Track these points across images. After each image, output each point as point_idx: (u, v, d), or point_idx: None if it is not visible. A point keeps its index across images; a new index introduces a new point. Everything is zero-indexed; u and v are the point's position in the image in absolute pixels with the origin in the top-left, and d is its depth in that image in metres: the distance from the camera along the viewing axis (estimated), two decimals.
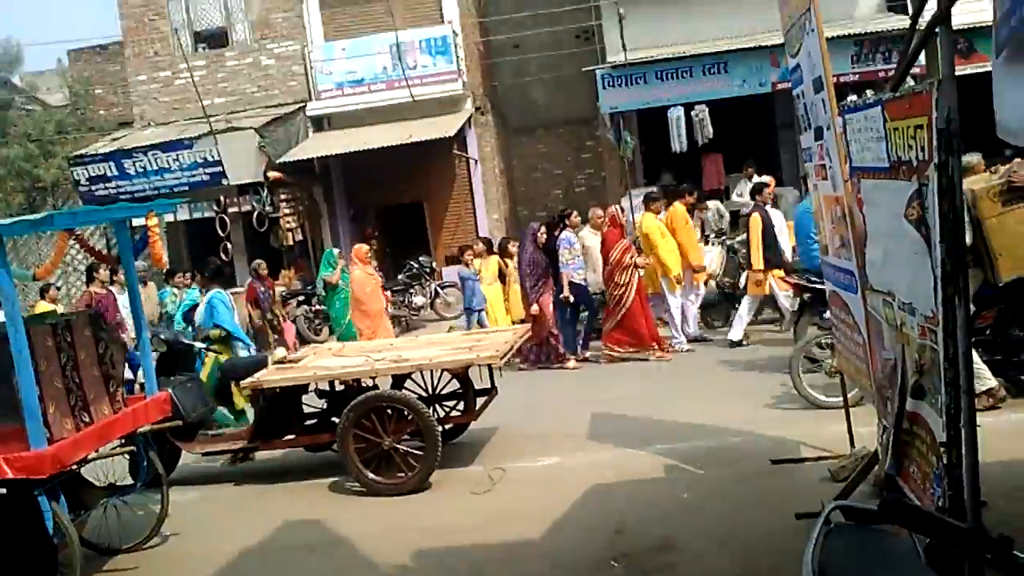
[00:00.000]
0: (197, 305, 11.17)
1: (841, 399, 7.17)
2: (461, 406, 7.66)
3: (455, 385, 7.70)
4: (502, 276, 11.68)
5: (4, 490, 5.35)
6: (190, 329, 11.05)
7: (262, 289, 12.46)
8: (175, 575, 5.67)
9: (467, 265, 11.67)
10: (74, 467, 5.70)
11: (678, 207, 11.10)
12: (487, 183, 17.09)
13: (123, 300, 11.15)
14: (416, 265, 15.65)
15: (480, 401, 7.57)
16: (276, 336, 12.14)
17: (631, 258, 10.43)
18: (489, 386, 7.79)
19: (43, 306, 11.04)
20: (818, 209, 5.81)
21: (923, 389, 3.72)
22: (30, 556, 1.57)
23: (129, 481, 6.49)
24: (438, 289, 15.32)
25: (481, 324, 11.13)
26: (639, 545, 5.18)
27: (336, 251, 12.24)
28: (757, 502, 5.59)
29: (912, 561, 2.33)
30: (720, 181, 15.88)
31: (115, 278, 11.24)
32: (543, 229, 10.92)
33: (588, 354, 10.99)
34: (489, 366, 7.44)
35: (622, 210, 11.17)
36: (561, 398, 9.17)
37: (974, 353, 4.67)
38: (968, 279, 3.38)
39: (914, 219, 3.53)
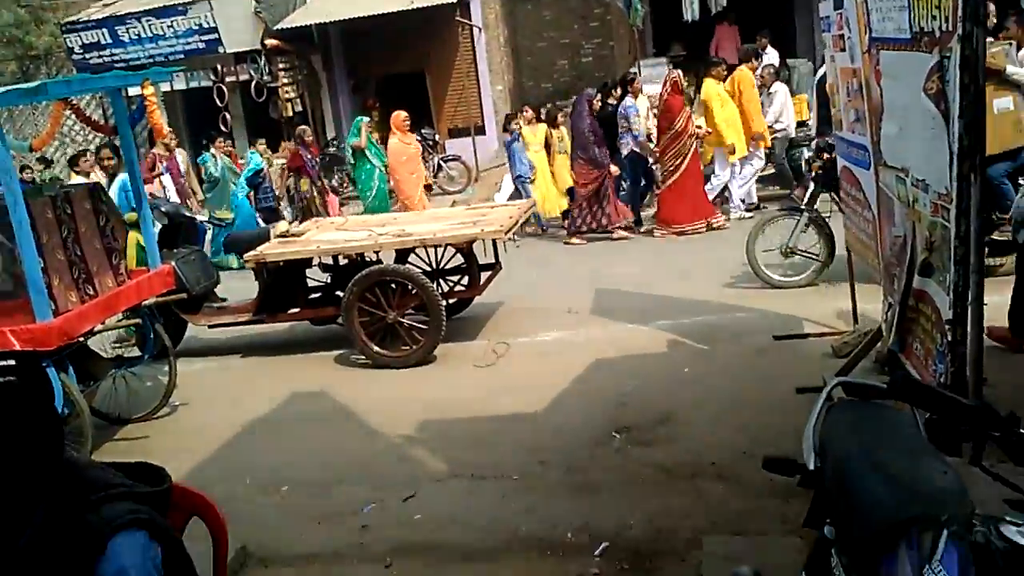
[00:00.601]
0: (261, 170, 11.14)
1: (795, 278, 7.56)
2: (465, 281, 7.67)
3: (459, 260, 7.69)
4: (547, 146, 11.42)
5: (12, 362, 5.43)
6: (253, 194, 11.32)
7: (308, 156, 12.07)
8: (184, 443, 5.78)
9: (510, 133, 11.43)
10: (81, 339, 5.76)
11: (745, 71, 10.78)
12: (491, 52, 16.61)
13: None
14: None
15: (484, 276, 7.57)
16: (322, 204, 12.01)
17: (694, 126, 10.25)
18: (493, 261, 7.77)
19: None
20: (834, 82, 5.65)
21: (931, 267, 3.69)
22: (35, 429, 1.58)
23: (136, 353, 6.57)
24: (441, 163, 15.11)
25: (526, 194, 10.93)
26: (640, 417, 5.27)
27: (365, 119, 11.93)
28: (759, 377, 5.65)
29: (913, 436, 2.35)
30: (733, 55, 15.37)
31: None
32: (598, 96, 10.70)
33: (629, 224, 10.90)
34: (493, 241, 7.41)
35: (683, 73, 10.90)
36: (565, 275, 9.18)
37: None
38: (985, 155, 3.30)
39: (933, 93, 3.42)
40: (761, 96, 11.90)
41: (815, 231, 7.40)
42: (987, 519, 1.74)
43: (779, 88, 11.22)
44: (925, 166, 3.65)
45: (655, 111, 10.90)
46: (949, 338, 3.38)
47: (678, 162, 10.14)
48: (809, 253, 7.48)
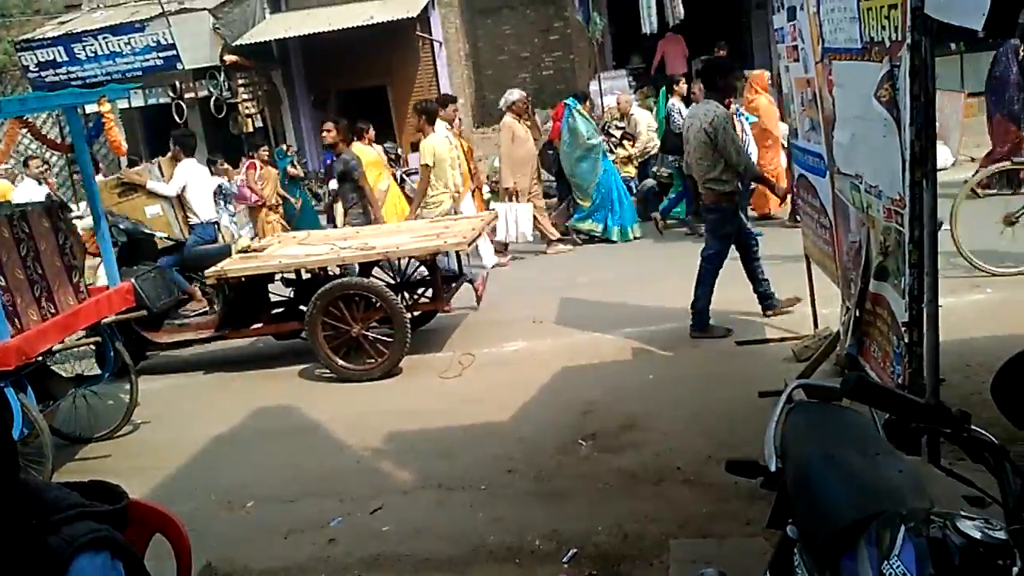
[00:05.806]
0: None
1: None
2: (430, 293, 7.66)
3: (424, 272, 7.68)
4: None
5: None
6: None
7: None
8: (147, 462, 5.70)
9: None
10: (40, 358, 5.67)
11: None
12: (452, 66, 16.67)
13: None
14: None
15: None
16: None
17: None
18: (458, 273, 7.77)
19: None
20: (789, 91, 5.75)
21: (886, 271, 3.77)
22: None
23: (97, 371, 6.48)
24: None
25: None
26: (606, 425, 5.29)
27: None
28: (722, 382, 5.71)
29: (871, 436, 2.39)
30: (683, 66, 15.52)
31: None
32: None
33: None
34: (457, 253, 7.41)
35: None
36: (531, 284, 9.19)
37: None
38: (936, 162, 3.38)
39: (885, 100, 3.50)
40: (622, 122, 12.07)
41: None
42: (944, 514, 1.78)
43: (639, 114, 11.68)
44: (878, 173, 3.74)
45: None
46: (906, 340, 3.45)
47: None
48: None
